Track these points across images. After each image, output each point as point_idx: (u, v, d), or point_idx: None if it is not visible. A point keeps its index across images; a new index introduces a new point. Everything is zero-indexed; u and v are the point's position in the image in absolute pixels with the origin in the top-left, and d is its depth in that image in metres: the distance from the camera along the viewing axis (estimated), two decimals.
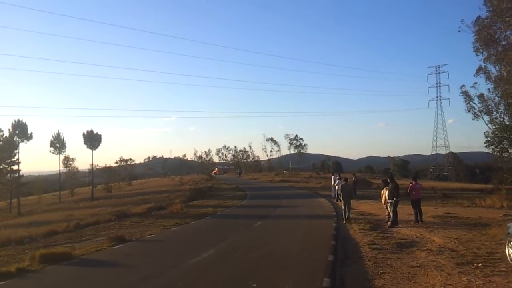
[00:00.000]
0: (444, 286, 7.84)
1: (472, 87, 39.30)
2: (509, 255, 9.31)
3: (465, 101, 39.50)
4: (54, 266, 11.01)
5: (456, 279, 8.23)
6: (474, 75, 34.11)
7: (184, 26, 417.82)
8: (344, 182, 20.74)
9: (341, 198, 20.51)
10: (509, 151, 38.72)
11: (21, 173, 58.55)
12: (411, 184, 18.26)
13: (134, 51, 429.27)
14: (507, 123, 37.17)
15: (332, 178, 34.54)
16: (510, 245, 9.33)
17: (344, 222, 18.68)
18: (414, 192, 17.68)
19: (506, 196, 27.37)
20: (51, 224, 25.14)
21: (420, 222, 17.09)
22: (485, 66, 31.76)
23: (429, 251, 11.23)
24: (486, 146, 40.09)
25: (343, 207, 19.54)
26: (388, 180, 17.87)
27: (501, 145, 38.63)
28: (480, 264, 9.29)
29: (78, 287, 9.21)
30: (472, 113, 38.98)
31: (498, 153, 39.97)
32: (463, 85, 40.05)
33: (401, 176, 79.95)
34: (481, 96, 37.60)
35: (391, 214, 16.87)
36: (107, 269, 10.80)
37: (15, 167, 56.55)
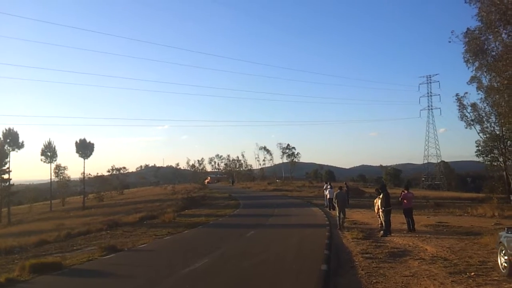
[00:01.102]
0: None
1: (463, 96, 39.81)
2: (501, 264, 9.35)
3: (459, 110, 39.97)
4: (44, 276, 10.85)
5: None
6: (467, 83, 34.42)
7: (176, 35, 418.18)
8: (338, 191, 21.09)
9: (335, 206, 20.65)
10: (500, 160, 39.13)
11: (11, 181, 58.09)
12: (402, 193, 18.34)
13: (126, 60, 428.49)
14: (498, 132, 37.61)
15: (324, 187, 34.73)
16: (502, 254, 9.36)
17: (338, 228, 19.10)
18: (405, 201, 17.75)
19: (498, 205, 27.57)
20: (42, 233, 24.85)
21: (412, 231, 17.14)
22: (478, 75, 32.10)
23: (422, 260, 11.25)
24: (477, 155, 40.54)
25: (338, 215, 19.86)
26: (379, 189, 17.91)
27: (492, 154, 39.06)
28: (472, 273, 9.31)
29: None
30: (465, 121, 39.44)
31: (488, 162, 40.40)
32: (458, 93, 40.53)
33: (393, 185, 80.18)
34: (473, 105, 38.06)
35: (383, 223, 16.90)
36: (99, 279, 10.68)
37: (5, 176, 56.10)
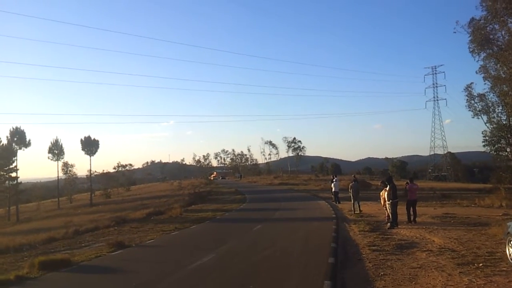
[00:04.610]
0: (445, 286, 7.82)
1: (468, 87, 39.66)
2: (510, 254, 9.29)
3: (467, 100, 39.90)
4: (53, 273, 10.93)
5: (457, 280, 8.21)
6: (476, 72, 34.06)
7: (181, 31, 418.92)
8: (353, 182, 24.55)
9: (351, 196, 24.02)
10: (507, 150, 38.90)
11: (19, 180, 58.61)
12: (407, 185, 18.24)
13: (131, 57, 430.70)
14: (505, 122, 37.37)
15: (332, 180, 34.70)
16: (510, 245, 9.31)
17: (354, 212, 22.61)
18: (410, 193, 17.68)
19: (505, 195, 27.41)
20: (50, 230, 25.08)
21: (413, 223, 17.09)
22: (487, 64, 31.83)
23: (429, 251, 11.22)
24: (484, 145, 40.32)
25: (353, 203, 23.61)
26: (385, 181, 17.81)
27: (498, 144, 38.84)
28: (480, 264, 9.28)
29: None
30: (472, 111, 39.37)
31: (495, 153, 40.24)
32: (472, 82, 40.60)
33: (400, 177, 79.97)
34: (481, 96, 37.95)
35: (390, 215, 16.85)
36: (107, 275, 10.74)
37: (13, 174, 56.58)
